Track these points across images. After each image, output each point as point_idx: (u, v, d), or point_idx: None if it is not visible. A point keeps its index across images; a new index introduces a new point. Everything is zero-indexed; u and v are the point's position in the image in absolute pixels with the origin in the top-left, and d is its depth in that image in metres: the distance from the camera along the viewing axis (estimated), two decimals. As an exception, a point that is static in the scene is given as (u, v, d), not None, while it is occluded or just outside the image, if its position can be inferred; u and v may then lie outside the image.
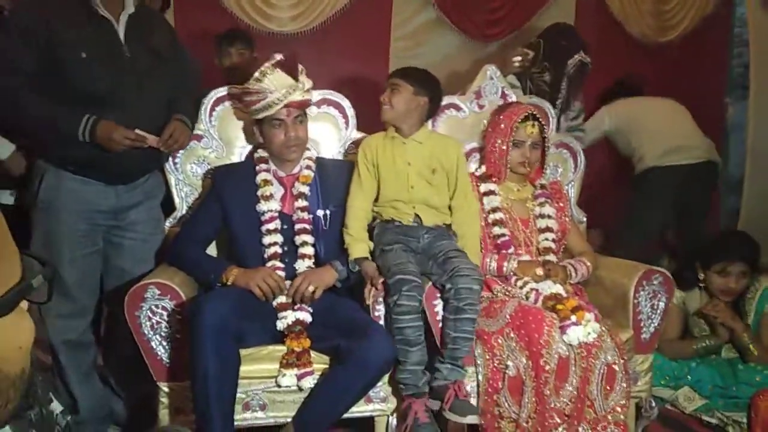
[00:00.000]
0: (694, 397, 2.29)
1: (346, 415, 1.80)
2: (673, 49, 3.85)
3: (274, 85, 1.88)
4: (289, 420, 1.78)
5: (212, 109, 2.17)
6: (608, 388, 1.82)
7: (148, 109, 1.86)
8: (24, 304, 0.49)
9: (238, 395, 1.72)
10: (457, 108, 2.37)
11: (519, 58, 2.63)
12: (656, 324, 2.03)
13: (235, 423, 1.72)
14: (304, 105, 1.96)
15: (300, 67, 1.94)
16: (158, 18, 2.10)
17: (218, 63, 2.85)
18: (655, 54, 3.83)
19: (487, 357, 1.90)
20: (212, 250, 2.10)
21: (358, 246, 1.95)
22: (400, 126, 2.03)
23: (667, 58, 3.82)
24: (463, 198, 2.07)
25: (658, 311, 2.03)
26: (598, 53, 2.79)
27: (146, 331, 1.76)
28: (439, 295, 1.89)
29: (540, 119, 2.14)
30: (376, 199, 2.05)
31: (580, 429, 1.78)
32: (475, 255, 1.99)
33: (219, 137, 2.18)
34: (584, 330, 1.78)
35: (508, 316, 1.89)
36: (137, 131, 1.81)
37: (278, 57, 1.91)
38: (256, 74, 1.90)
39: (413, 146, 2.03)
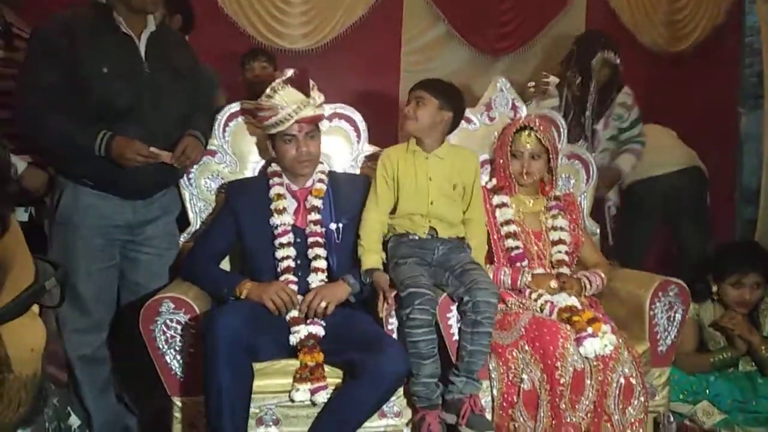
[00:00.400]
0: (713, 411, 2.24)
1: (360, 430, 1.79)
2: (686, 59, 3.84)
3: (285, 101, 1.90)
4: (303, 435, 1.78)
5: (226, 125, 2.20)
6: (626, 402, 1.79)
7: (165, 124, 1.90)
8: (35, 308, 0.50)
9: (251, 410, 1.72)
10: (468, 120, 2.37)
11: (533, 83, 2.66)
12: (673, 336, 2.01)
13: (249, 438, 1.72)
14: (315, 120, 1.98)
15: (311, 82, 1.96)
16: (177, 37, 2.14)
17: (242, 79, 3.02)
18: (667, 64, 3.82)
19: (502, 370, 1.88)
20: (225, 264, 2.12)
21: (371, 257, 1.95)
22: (422, 139, 2.03)
23: (679, 68, 3.81)
24: (475, 210, 2.08)
25: (675, 323, 2.00)
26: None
27: (161, 345, 1.77)
28: (453, 308, 1.89)
29: (535, 129, 2.13)
30: (392, 212, 2.05)
31: (597, 443, 1.76)
32: (481, 262, 2.01)
33: (232, 152, 2.21)
34: (601, 342, 1.76)
35: (522, 329, 1.88)
36: (151, 149, 1.83)
37: (289, 73, 1.93)
38: (268, 90, 1.92)
39: (435, 161, 2.03)
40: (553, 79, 2.61)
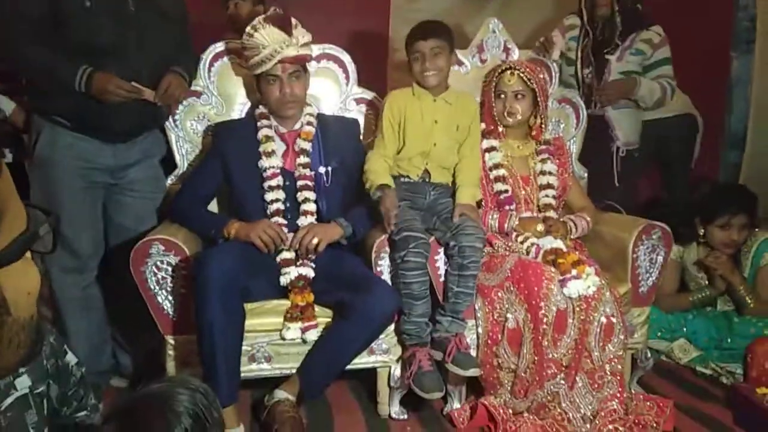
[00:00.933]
0: (689, 348, 2.34)
1: (349, 367, 1.85)
2: (677, 3, 3.76)
3: (267, 40, 1.86)
4: (294, 371, 1.83)
5: (211, 65, 2.15)
6: (606, 339, 1.86)
7: (149, 65, 1.85)
8: (28, 254, 0.50)
9: (243, 348, 1.77)
10: (460, 63, 2.34)
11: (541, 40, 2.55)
12: (654, 278, 2.06)
13: (242, 375, 1.77)
14: (299, 60, 1.93)
15: (294, 21, 1.90)
16: None
17: (227, 18, 2.75)
18: (658, 8, 3.75)
19: (487, 310, 1.93)
20: (214, 207, 2.12)
21: (382, 176, 1.95)
22: (438, 85, 2.02)
23: (670, 11, 3.73)
24: (470, 149, 2.09)
25: (657, 265, 2.05)
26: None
27: (152, 286, 1.78)
28: (440, 250, 1.92)
29: (520, 69, 2.11)
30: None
31: (577, 379, 1.83)
32: (474, 185, 2.02)
33: (218, 93, 2.16)
34: (584, 283, 1.80)
35: (508, 271, 1.92)
36: (133, 83, 1.80)
37: (270, 11, 1.88)
38: (248, 29, 1.88)
39: (442, 105, 2.04)
40: (558, 36, 2.50)
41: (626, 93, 2.56)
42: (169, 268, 1.78)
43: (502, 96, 2.13)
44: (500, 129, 2.16)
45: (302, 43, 1.91)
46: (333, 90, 2.24)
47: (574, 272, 1.82)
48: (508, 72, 2.12)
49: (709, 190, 2.61)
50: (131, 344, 2.13)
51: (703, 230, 2.42)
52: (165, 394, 0.68)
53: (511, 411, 1.85)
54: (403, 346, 1.91)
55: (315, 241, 1.86)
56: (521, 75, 2.10)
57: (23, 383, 0.95)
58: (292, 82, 1.92)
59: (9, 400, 0.85)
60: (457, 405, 1.95)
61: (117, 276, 1.96)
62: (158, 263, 1.77)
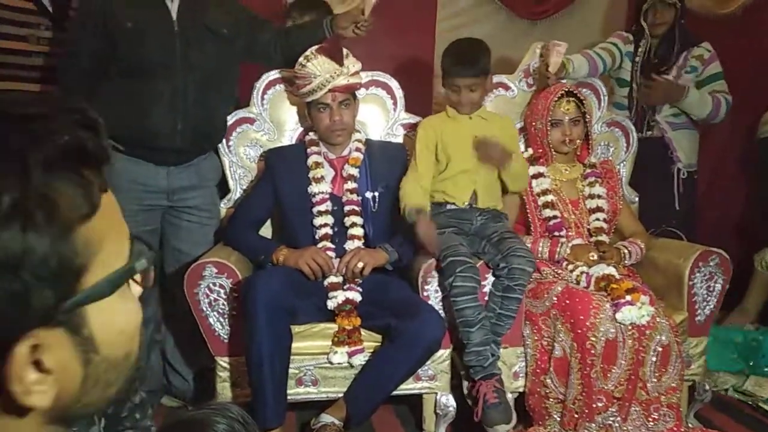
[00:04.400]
0: (764, 384, 2.22)
1: (395, 392, 1.84)
2: (734, 22, 3.66)
3: (318, 69, 1.90)
4: (341, 396, 1.83)
5: (264, 92, 2.21)
6: (662, 369, 1.79)
7: (195, 81, 1.91)
8: (134, 290, 0.50)
9: (291, 371, 1.78)
10: (506, 87, 2.34)
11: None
12: (712, 306, 1.99)
13: (288, 397, 1.78)
14: (350, 89, 1.98)
15: (345, 51, 1.95)
16: None
17: None
18: (715, 27, 3.65)
19: (536, 338, 1.90)
20: (267, 230, 2.16)
21: (414, 198, 1.95)
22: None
23: (727, 31, 3.64)
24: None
25: (714, 293, 1.98)
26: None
27: (204, 308, 1.83)
28: (488, 275, 1.90)
29: (577, 95, 2.10)
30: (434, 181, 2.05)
31: (632, 410, 1.77)
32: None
33: (270, 120, 2.23)
34: (639, 312, 1.75)
35: (554, 298, 1.88)
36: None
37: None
38: (301, 59, 1.93)
39: (478, 121, 2.06)
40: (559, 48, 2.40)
41: (673, 97, 2.46)
42: (222, 291, 1.82)
43: (559, 125, 2.11)
44: (552, 155, 2.14)
45: (352, 72, 1.96)
46: (381, 116, 2.28)
47: (628, 298, 1.77)
48: (564, 100, 2.10)
49: None
50: (185, 365, 2.17)
51: None
52: (203, 421, 0.68)
53: (561, 443, 1.80)
54: (470, 380, 1.85)
55: (360, 265, 1.87)
56: (577, 102, 2.09)
57: None
58: (341, 110, 1.97)
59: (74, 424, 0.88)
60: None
61: (171, 298, 2.01)
62: (211, 285, 1.82)
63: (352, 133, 2.05)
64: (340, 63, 1.92)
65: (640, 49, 2.51)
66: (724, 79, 2.51)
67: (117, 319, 0.47)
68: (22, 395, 0.42)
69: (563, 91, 2.10)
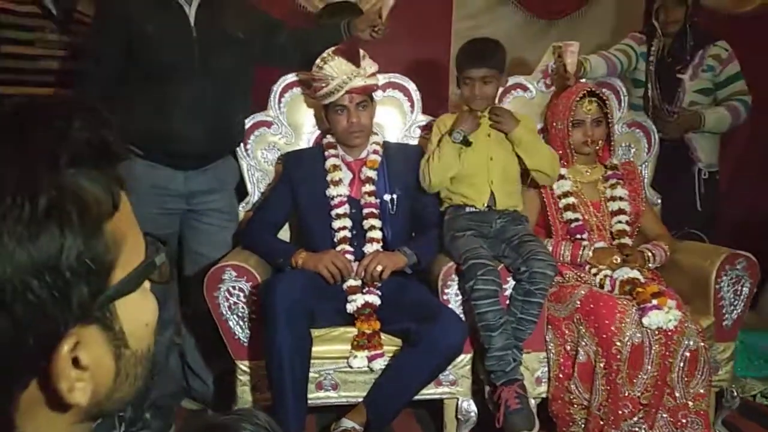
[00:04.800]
0: None
1: (416, 397, 1.82)
2: (751, 21, 3.60)
3: (335, 71, 1.90)
4: (361, 400, 1.82)
5: (281, 96, 2.21)
6: (689, 375, 1.75)
7: (214, 85, 1.91)
8: (147, 284, 0.51)
9: (311, 375, 1.77)
10: (524, 88, 2.32)
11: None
12: (740, 310, 1.94)
13: (308, 402, 1.77)
14: (367, 91, 1.97)
15: (362, 52, 1.94)
16: (234, 2, 2.11)
17: None
18: (732, 27, 3.60)
19: (559, 342, 1.87)
20: (285, 233, 2.15)
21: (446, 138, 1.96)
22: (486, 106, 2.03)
23: (744, 30, 3.58)
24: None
25: (742, 297, 1.94)
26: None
27: (224, 312, 1.82)
28: (509, 278, 1.87)
29: (599, 95, 2.07)
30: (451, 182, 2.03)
31: (658, 417, 1.73)
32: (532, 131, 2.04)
33: (288, 123, 2.22)
34: (666, 316, 1.71)
35: (578, 302, 1.85)
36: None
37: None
38: (318, 61, 1.92)
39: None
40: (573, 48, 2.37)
41: (692, 127, 2.44)
42: (241, 294, 1.82)
43: (581, 125, 2.08)
44: (573, 156, 2.11)
45: (369, 73, 1.95)
46: (398, 118, 2.27)
47: (654, 302, 1.74)
48: (587, 100, 2.07)
49: None
50: (205, 369, 2.17)
51: None
52: (230, 427, 0.68)
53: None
54: (491, 385, 1.82)
55: (379, 268, 1.86)
56: (599, 102, 2.06)
57: None
58: (359, 112, 1.96)
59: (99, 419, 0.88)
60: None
61: (191, 301, 2.01)
62: (230, 289, 1.81)
63: (369, 135, 2.04)
64: (357, 64, 1.91)
65: (653, 49, 2.47)
66: (743, 79, 2.46)
67: (142, 313, 0.49)
68: (68, 393, 0.43)
69: (585, 91, 2.07)
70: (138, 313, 0.48)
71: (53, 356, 0.42)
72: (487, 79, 1.97)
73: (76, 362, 0.43)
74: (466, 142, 1.95)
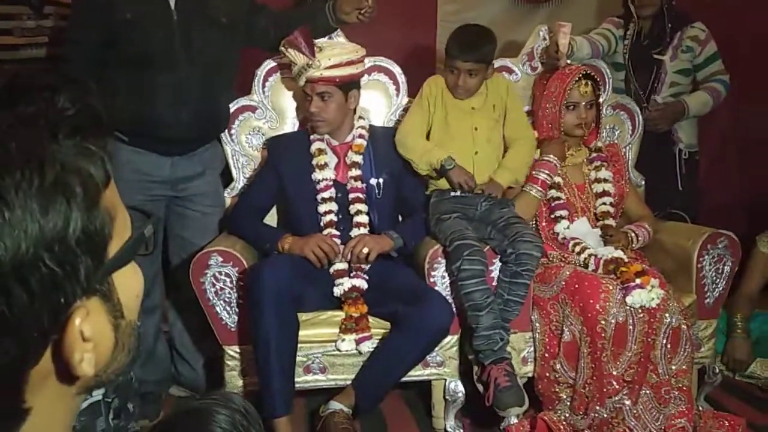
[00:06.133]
0: None
1: (404, 379, 1.84)
2: (725, 3, 3.61)
3: (295, 59, 1.90)
4: (349, 383, 1.83)
5: (265, 80, 2.19)
6: (672, 351, 1.78)
7: (198, 71, 1.89)
8: None
9: (298, 358, 1.78)
10: (510, 71, 2.31)
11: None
12: (721, 288, 1.98)
13: (297, 385, 1.78)
14: (325, 82, 1.92)
15: (319, 44, 1.92)
16: None
17: None
18: (709, 7, 3.60)
19: (544, 322, 1.89)
20: (272, 219, 2.15)
21: (436, 151, 1.93)
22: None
23: (722, 9, 3.58)
24: (516, 130, 2.05)
25: (724, 275, 1.97)
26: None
27: (211, 297, 1.82)
28: (495, 260, 1.89)
29: (595, 77, 2.07)
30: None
31: (642, 393, 1.76)
32: (514, 169, 1.99)
33: (272, 107, 2.21)
34: (648, 295, 1.74)
35: (562, 282, 1.87)
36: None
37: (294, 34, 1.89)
38: (281, 46, 1.92)
39: (476, 95, 2.03)
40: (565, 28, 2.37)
41: (676, 118, 2.46)
42: (228, 279, 1.81)
43: (575, 108, 2.06)
44: (562, 138, 2.11)
45: (327, 65, 1.90)
46: (383, 102, 2.26)
47: (638, 281, 1.76)
48: (583, 82, 2.05)
49: None
50: (193, 355, 2.16)
51: None
52: (204, 412, 0.68)
53: (571, 429, 1.79)
54: (480, 364, 1.83)
55: (366, 250, 1.86)
56: (593, 84, 2.05)
57: (98, 390, 0.98)
58: (319, 102, 1.93)
59: (84, 405, 0.88)
60: (515, 420, 1.90)
61: (178, 287, 2.00)
62: (217, 274, 1.81)
63: (336, 125, 1.99)
64: (310, 56, 1.89)
65: (629, 32, 2.48)
66: (720, 59, 2.49)
67: (133, 284, 0.50)
68: (78, 364, 0.44)
69: (581, 74, 2.05)
70: (130, 283, 0.49)
71: (66, 328, 0.43)
72: (474, 72, 1.96)
73: (81, 334, 0.44)
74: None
